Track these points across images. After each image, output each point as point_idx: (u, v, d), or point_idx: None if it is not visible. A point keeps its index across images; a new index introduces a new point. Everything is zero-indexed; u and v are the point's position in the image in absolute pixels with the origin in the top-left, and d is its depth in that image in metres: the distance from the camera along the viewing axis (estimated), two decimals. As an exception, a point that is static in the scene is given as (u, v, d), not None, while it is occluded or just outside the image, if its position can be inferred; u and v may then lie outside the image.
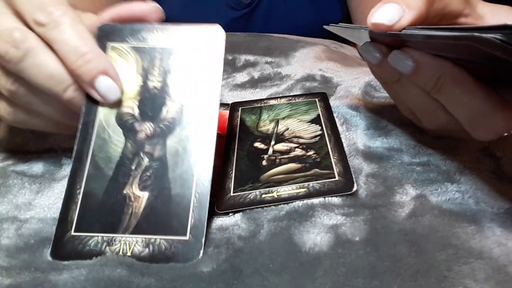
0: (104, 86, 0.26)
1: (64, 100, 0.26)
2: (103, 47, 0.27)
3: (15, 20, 0.25)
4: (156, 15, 0.28)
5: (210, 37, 0.27)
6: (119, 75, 0.26)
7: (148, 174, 0.25)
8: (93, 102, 0.26)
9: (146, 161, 0.25)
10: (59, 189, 0.28)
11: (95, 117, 0.26)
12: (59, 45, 0.25)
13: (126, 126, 0.26)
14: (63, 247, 0.23)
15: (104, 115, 0.26)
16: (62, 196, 0.27)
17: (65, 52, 0.24)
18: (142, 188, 0.24)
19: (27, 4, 0.25)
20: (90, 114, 0.26)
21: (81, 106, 0.26)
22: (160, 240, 0.23)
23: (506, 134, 0.23)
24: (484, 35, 0.15)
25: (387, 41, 0.25)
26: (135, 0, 0.28)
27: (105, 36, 0.27)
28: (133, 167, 0.25)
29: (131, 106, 0.27)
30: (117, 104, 0.26)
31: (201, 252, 0.22)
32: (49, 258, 0.23)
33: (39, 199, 0.27)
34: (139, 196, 0.24)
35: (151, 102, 0.26)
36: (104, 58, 0.26)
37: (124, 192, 0.24)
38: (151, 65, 0.27)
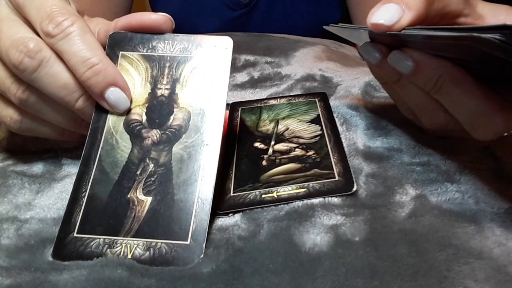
0: (114, 97, 0.26)
1: (75, 109, 0.26)
2: (114, 56, 0.27)
3: (27, 29, 0.26)
4: (166, 25, 0.28)
5: (218, 48, 0.28)
6: (129, 84, 0.27)
7: (152, 179, 0.25)
8: (102, 109, 0.27)
9: (151, 166, 0.25)
10: (59, 189, 0.28)
11: (104, 123, 0.27)
12: (69, 56, 0.25)
13: (134, 132, 0.27)
14: (65, 248, 0.23)
15: (113, 121, 0.27)
16: (62, 197, 0.27)
17: (74, 64, 0.25)
18: (146, 193, 0.25)
19: (36, 14, 0.25)
20: (100, 120, 0.27)
21: (92, 115, 0.27)
22: (161, 244, 0.23)
23: (506, 134, 0.23)
24: (483, 35, 0.15)
25: (387, 41, 0.25)
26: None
27: (115, 44, 0.28)
28: (138, 172, 0.25)
29: (139, 113, 0.27)
30: (126, 111, 0.27)
31: (201, 256, 0.22)
32: (50, 259, 0.23)
33: (39, 199, 0.27)
34: (142, 201, 0.24)
35: (159, 109, 0.27)
36: (113, 69, 0.26)
37: (128, 196, 0.25)
38: (160, 73, 0.28)
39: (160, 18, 0.28)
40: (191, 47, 0.28)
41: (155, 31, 0.28)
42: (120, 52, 0.28)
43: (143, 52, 0.28)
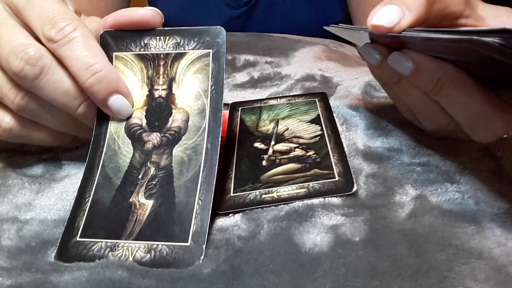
0: (117, 104, 0.26)
1: (76, 115, 0.26)
2: (108, 58, 0.27)
3: (27, 35, 0.25)
4: (155, 19, 0.27)
5: (212, 40, 0.27)
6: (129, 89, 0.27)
7: (153, 182, 0.25)
8: (104, 114, 0.27)
9: (152, 170, 0.25)
10: (59, 189, 0.28)
11: (106, 129, 0.27)
12: (71, 62, 0.24)
13: (134, 136, 0.27)
14: (67, 251, 0.23)
15: (114, 126, 0.27)
16: (62, 197, 0.27)
17: (77, 70, 0.24)
18: (148, 196, 0.25)
19: (38, 18, 0.25)
20: (102, 126, 0.27)
21: (93, 119, 0.27)
22: (162, 246, 0.23)
23: (505, 136, 0.23)
24: (483, 38, 0.15)
25: (387, 42, 0.25)
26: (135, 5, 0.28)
27: (108, 44, 0.27)
28: (139, 176, 0.25)
29: (138, 117, 0.27)
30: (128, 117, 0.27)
31: (202, 257, 0.22)
32: (51, 260, 0.23)
33: (39, 199, 0.27)
34: (144, 204, 0.24)
35: (158, 111, 0.27)
36: (115, 75, 0.26)
37: (130, 200, 0.25)
38: (155, 73, 0.27)
39: (148, 12, 0.27)
40: (184, 42, 0.27)
41: (145, 27, 0.27)
42: (114, 54, 0.27)
43: (136, 51, 0.27)
